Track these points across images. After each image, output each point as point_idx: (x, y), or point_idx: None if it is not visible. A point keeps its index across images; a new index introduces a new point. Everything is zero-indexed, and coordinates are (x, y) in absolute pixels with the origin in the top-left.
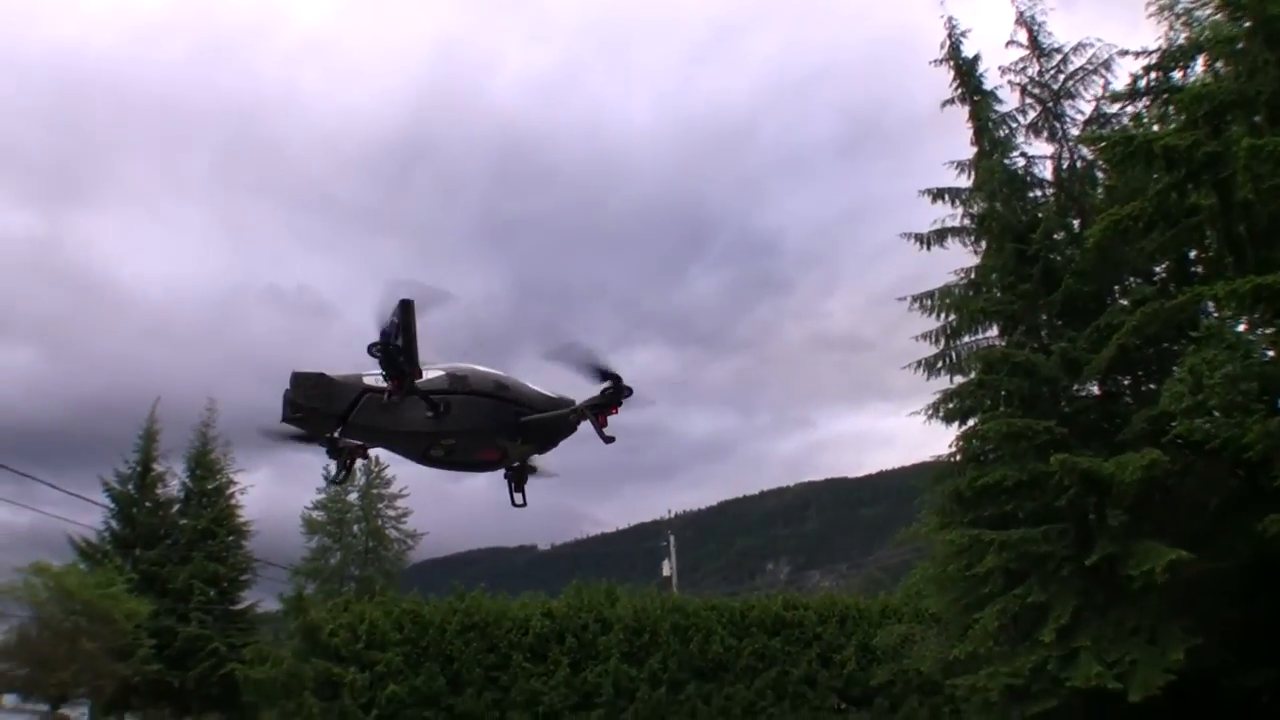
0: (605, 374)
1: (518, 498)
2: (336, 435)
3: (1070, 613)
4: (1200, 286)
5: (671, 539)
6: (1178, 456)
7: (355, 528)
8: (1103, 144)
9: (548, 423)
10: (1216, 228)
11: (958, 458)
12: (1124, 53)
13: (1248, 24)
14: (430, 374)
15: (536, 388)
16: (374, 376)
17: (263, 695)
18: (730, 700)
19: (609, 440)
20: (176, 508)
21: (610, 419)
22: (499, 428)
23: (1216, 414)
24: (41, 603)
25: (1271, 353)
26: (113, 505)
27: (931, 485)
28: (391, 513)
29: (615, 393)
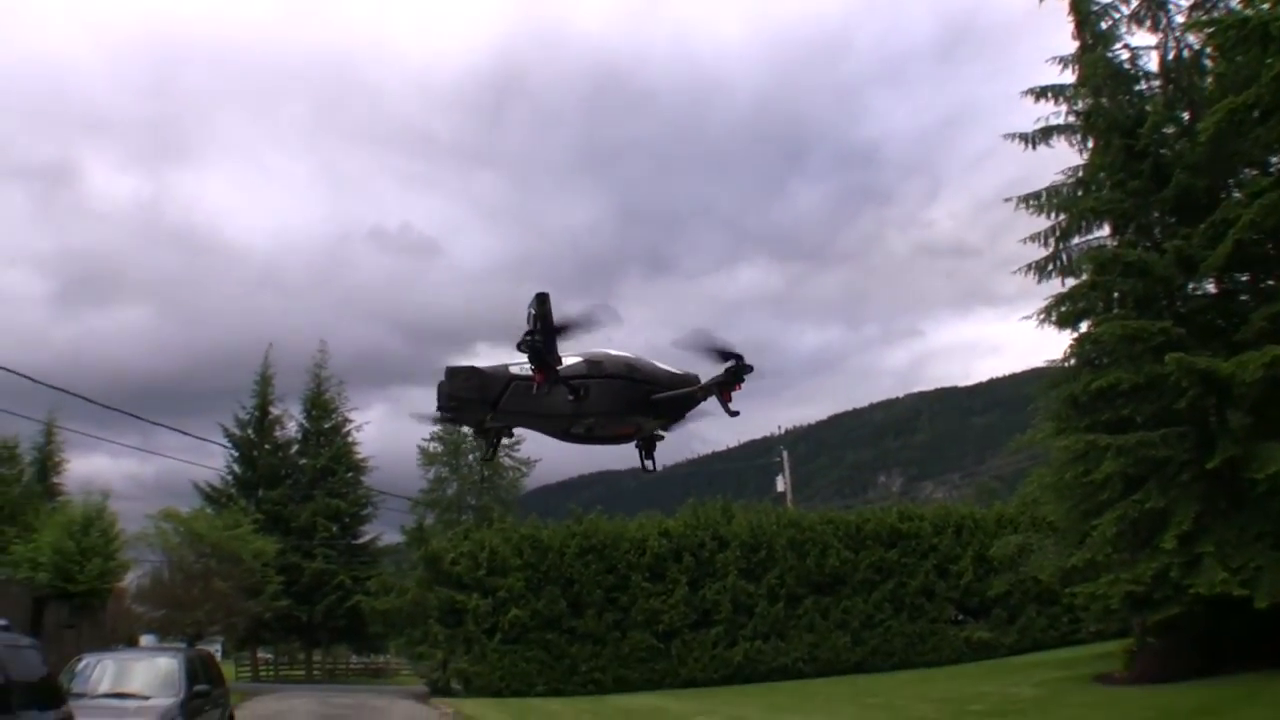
0: (727, 354)
1: (648, 464)
2: (487, 420)
3: (1192, 518)
4: None
5: (785, 454)
6: None
7: (470, 457)
8: (1213, 29)
9: (677, 400)
10: None
11: (1072, 362)
12: None
13: None
14: (569, 360)
15: (663, 365)
16: (518, 365)
17: (388, 625)
18: (848, 613)
19: (734, 414)
20: (295, 448)
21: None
22: (633, 407)
23: None
24: (173, 547)
25: None
26: (233, 449)
27: (1045, 391)
28: (505, 441)
29: (738, 370)
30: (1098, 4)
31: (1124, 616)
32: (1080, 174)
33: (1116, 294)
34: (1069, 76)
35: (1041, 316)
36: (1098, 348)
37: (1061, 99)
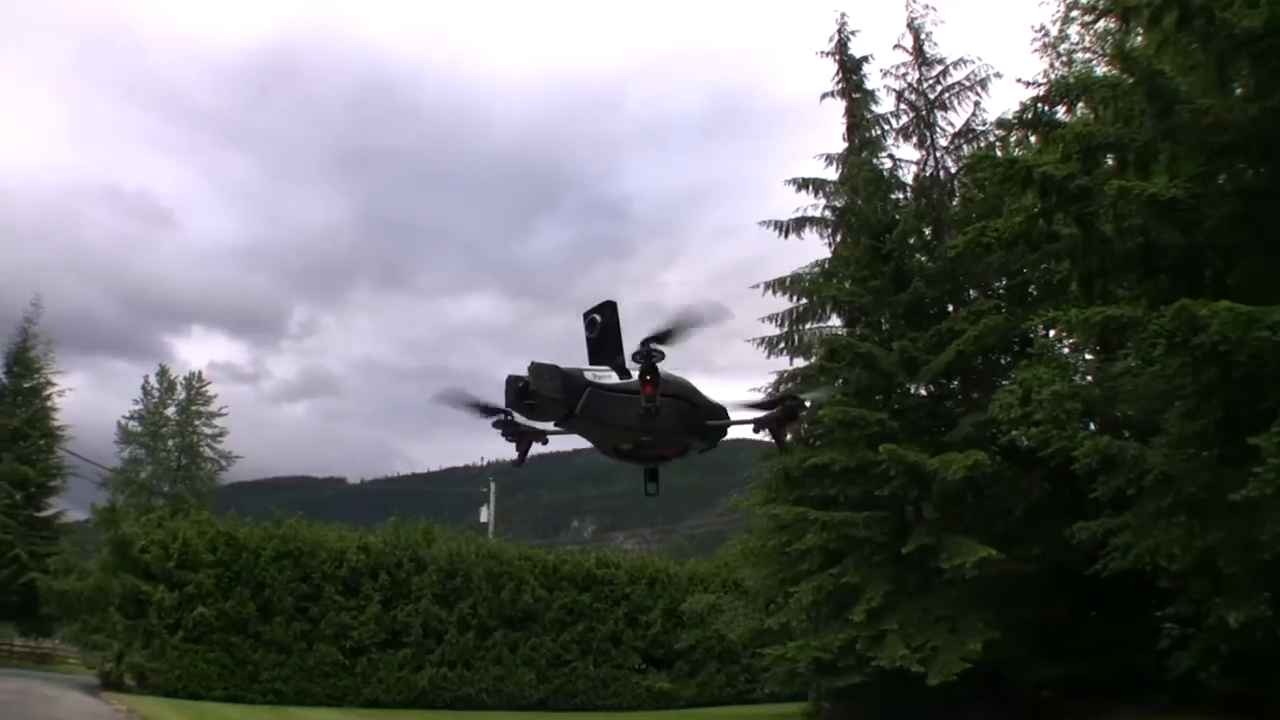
0: (770, 403)
1: (651, 487)
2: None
3: (881, 596)
4: (1054, 311)
5: (493, 485)
6: (992, 462)
7: (170, 443)
8: (986, 164)
9: (724, 428)
10: (1075, 257)
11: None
12: (999, 74)
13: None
14: (637, 373)
15: (703, 393)
16: (592, 371)
17: (65, 608)
18: (536, 651)
19: (785, 449)
20: None
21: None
22: (692, 429)
23: (1038, 426)
24: None
25: (1090, 378)
26: None
27: (759, 460)
28: (208, 431)
29: (794, 408)
30: (872, 112)
31: (806, 680)
32: (826, 265)
33: (841, 380)
34: (833, 173)
35: (769, 391)
36: (815, 427)
37: (821, 193)
